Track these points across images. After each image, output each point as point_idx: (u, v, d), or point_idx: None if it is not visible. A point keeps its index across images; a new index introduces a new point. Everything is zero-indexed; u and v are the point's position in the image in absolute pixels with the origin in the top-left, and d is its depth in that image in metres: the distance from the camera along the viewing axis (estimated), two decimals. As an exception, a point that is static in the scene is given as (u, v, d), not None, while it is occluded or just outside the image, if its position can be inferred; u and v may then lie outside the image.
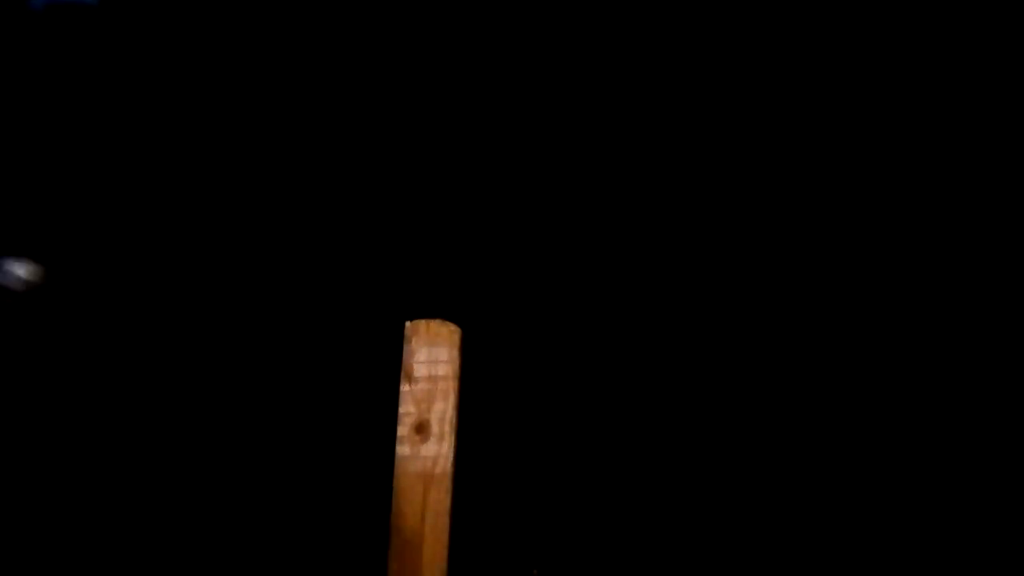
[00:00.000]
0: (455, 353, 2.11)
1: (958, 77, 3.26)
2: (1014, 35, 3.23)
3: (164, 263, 2.35)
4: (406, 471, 2.06)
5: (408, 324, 2.15)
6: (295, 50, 3.15)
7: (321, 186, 3.16)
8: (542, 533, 3.21)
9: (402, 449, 2.07)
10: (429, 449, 2.06)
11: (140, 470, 2.14)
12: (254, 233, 3.09)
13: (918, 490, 3.18)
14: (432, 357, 2.10)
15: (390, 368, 2.14)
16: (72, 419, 2.11)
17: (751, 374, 3.25)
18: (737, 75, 3.31)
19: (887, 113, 3.29)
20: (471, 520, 2.23)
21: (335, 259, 3.10)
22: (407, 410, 2.08)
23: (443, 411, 2.07)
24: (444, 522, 2.04)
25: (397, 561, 2.03)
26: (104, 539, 2.09)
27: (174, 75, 2.99)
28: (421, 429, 2.06)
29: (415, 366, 2.09)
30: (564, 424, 3.25)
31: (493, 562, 3.12)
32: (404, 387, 2.09)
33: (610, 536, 3.22)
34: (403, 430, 2.08)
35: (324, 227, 2.90)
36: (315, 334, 2.97)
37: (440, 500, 2.04)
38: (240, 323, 2.86)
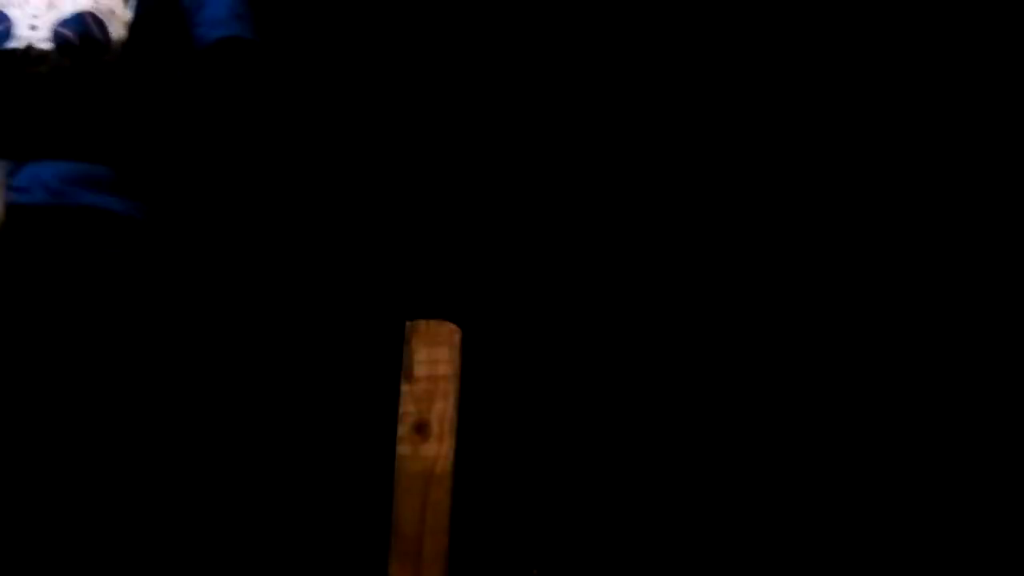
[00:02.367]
0: (455, 353, 2.11)
1: (958, 77, 3.26)
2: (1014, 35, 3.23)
3: (162, 263, 2.36)
4: (406, 471, 2.06)
5: (408, 324, 2.15)
6: (294, 49, 3.15)
7: (320, 186, 3.16)
8: (542, 533, 3.21)
9: (402, 449, 2.07)
10: (429, 449, 2.06)
11: (137, 469, 2.13)
12: (253, 233, 3.09)
13: (918, 490, 3.19)
14: (432, 357, 2.10)
15: (390, 368, 2.14)
16: (66, 420, 2.11)
17: (752, 374, 3.26)
18: (737, 74, 3.32)
19: (887, 113, 3.30)
20: (471, 520, 2.23)
21: (335, 259, 3.10)
22: (407, 410, 2.08)
23: (443, 411, 2.07)
24: (444, 522, 2.04)
25: (397, 561, 2.03)
26: (100, 538, 2.09)
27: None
28: (421, 429, 2.06)
29: (415, 366, 2.09)
30: (564, 424, 3.25)
31: (493, 562, 3.12)
32: (404, 387, 2.09)
33: (610, 536, 3.22)
34: (403, 430, 2.08)
35: (323, 227, 2.91)
36: (315, 334, 2.97)
37: (440, 500, 2.04)
38: (239, 322, 2.86)
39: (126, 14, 2.21)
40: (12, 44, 2.15)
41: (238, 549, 2.22)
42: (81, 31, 2.16)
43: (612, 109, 3.33)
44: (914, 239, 3.27)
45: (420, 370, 2.09)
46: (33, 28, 2.16)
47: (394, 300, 2.95)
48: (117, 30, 2.20)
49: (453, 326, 2.14)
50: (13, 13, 2.17)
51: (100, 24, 2.18)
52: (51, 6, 2.18)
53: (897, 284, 3.27)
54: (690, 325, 3.29)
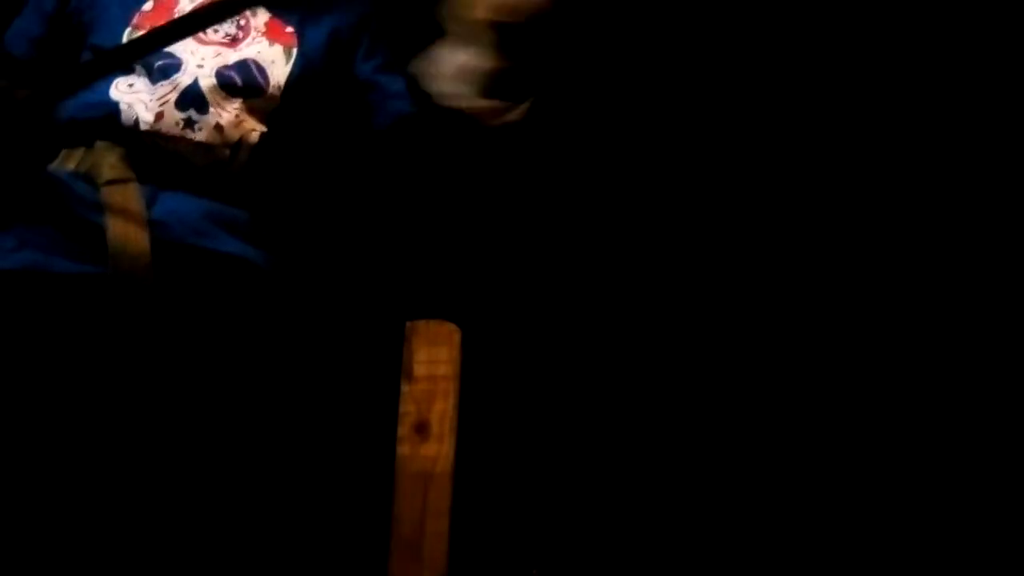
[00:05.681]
0: (455, 353, 2.11)
1: (958, 77, 3.26)
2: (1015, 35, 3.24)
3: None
4: (406, 471, 2.06)
5: (408, 324, 2.15)
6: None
7: (320, 184, 3.17)
8: (542, 533, 3.21)
9: (402, 449, 2.07)
10: (429, 449, 2.06)
11: (135, 469, 2.14)
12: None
13: (919, 490, 3.19)
14: (432, 357, 2.11)
15: (390, 368, 2.14)
16: (59, 419, 2.11)
17: (752, 374, 3.26)
18: (736, 74, 3.32)
19: (887, 113, 3.30)
20: (471, 520, 2.23)
21: (335, 258, 3.10)
22: (407, 410, 2.08)
23: (443, 411, 2.08)
24: (444, 522, 2.04)
25: (397, 561, 2.03)
26: (97, 537, 2.09)
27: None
28: (421, 429, 2.07)
29: (415, 366, 2.10)
30: (564, 424, 3.25)
31: (493, 562, 3.12)
32: (404, 387, 2.09)
33: (610, 536, 3.22)
34: (403, 430, 2.08)
35: (323, 226, 2.91)
36: (315, 333, 2.98)
37: (440, 500, 2.05)
38: (238, 321, 2.86)
39: (285, 70, 2.37)
40: (180, 76, 2.28)
41: (238, 549, 2.22)
42: (244, 74, 2.32)
43: (612, 109, 3.33)
44: (914, 239, 3.27)
45: (420, 370, 2.10)
46: (200, 67, 2.31)
47: (394, 300, 2.95)
48: (276, 79, 2.35)
49: (453, 326, 2.15)
50: (183, 56, 2.31)
51: (262, 70, 2.34)
52: (217, 55, 2.33)
53: (897, 284, 3.27)
54: (690, 325, 3.29)
